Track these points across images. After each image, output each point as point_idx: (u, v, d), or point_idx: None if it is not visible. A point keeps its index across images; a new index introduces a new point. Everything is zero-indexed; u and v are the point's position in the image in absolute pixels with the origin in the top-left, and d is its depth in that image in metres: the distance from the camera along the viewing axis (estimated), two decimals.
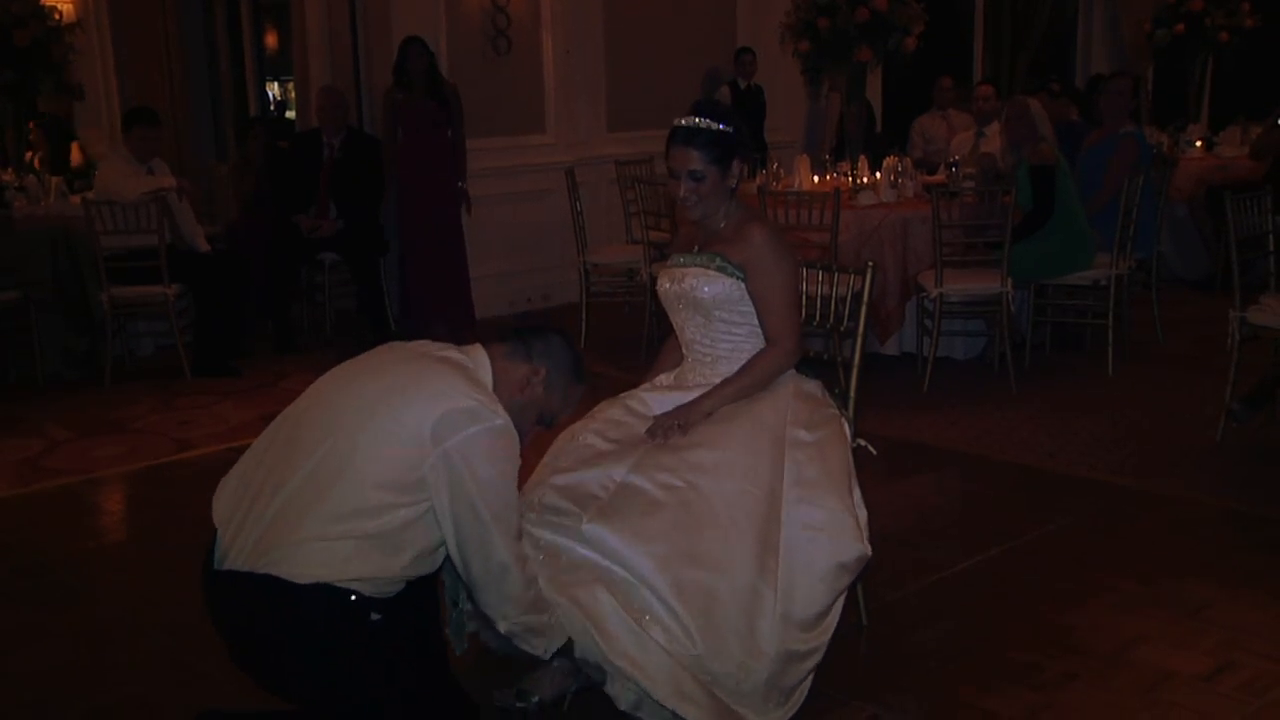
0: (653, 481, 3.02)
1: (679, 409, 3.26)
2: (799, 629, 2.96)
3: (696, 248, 3.42)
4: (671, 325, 3.53)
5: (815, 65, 8.03)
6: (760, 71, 9.42)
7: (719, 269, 3.31)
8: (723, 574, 2.90)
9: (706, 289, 3.32)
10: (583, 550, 2.91)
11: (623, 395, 3.44)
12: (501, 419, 2.56)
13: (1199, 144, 9.41)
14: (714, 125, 3.24)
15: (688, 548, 2.92)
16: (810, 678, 3.05)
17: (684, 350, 3.49)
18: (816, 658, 3.02)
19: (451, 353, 2.73)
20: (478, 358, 2.74)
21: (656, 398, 3.37)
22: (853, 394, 3.51)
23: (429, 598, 2.91)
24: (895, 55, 7.69)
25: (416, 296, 7.65)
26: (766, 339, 3.35)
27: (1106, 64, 11.29)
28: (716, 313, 3.34)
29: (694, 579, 2.89)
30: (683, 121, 3.27)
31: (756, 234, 3.32)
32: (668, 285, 3.43)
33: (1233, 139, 9.55)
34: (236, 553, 2.55)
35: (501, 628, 2.73)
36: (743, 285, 3.31)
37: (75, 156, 8.29)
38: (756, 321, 3.36)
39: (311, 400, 2.69)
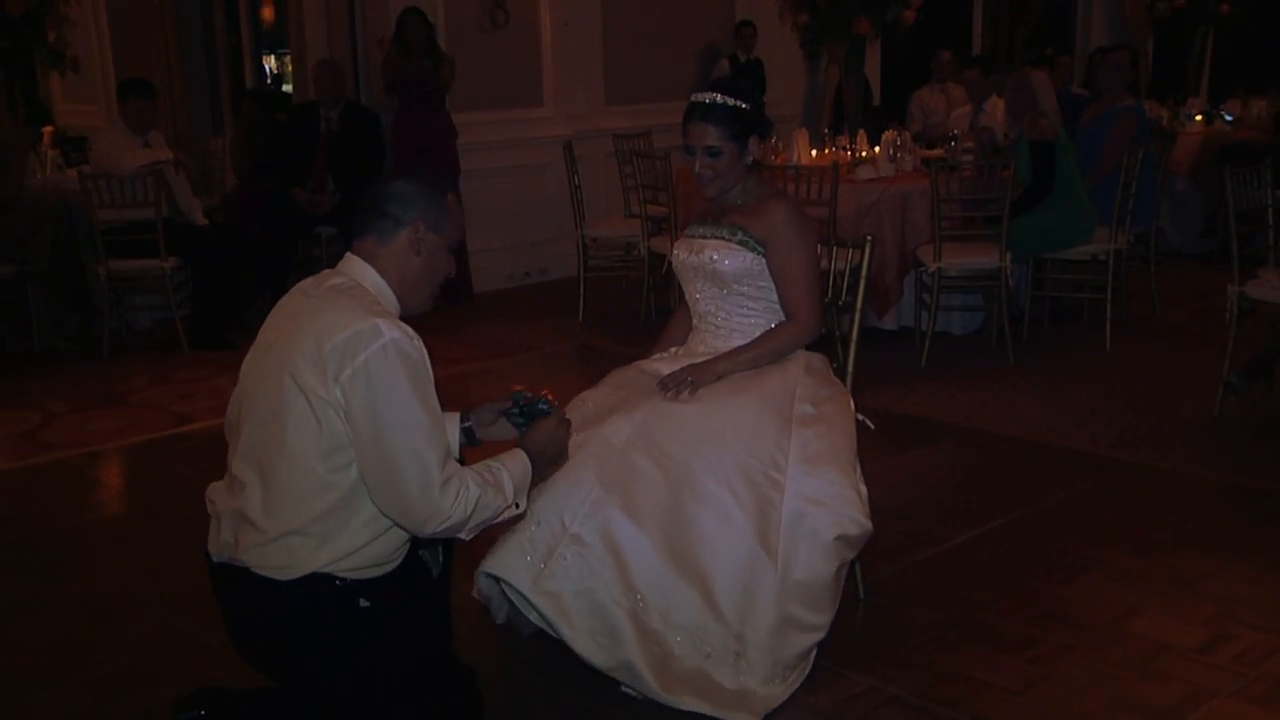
0: (653, 459, 3.01)
1: (691, 366, 3.26)
2: (798, 600, 2.97)
3: (712, 220, 3.40)
4: (676, 300, 3.53)
5: (814, 38, 8.00)
6: (759, 45, 9.38)
7: (740, 243, 3.29)
8: (717, 550, 2.93)
9: (728, 262, 3.30)
10: (581, 521, 2.93)
11: (635, 362, 3.46)
12: (386, 335, 2.42)
13: (1199, 118, 9.39)
14: (731, 101, 3.23)
15: (684, 524, 2.94)
16: (809, 658, 3.07)
17: (695, 321, 3.47)
18: (818, 635, 3.04)
19: (334, 279, 2.61)
20: (353, 267, 2.63)
21: (668, 364, 3.37)
22: (851, 368, 3.53)
23: (424, 579, 2.81)
24: (894, 28, 7.66)
25: None
26: (786, 313, 3.34)
27: (1106, 36, 11.26)
28: (735, 285, 3.33)
29: (691, 555, 2.92)
30: (700, 98, 3.26)
31: (778, 209, 3.31)
32: (684, 256, 3.39)
33: (1232, 113, 9.51)
34: (219, 546, 2.59)
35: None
36: (763, 260, 3.30)
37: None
38: (773, 298, 3.35)
39: (241, 389, 2.63)
